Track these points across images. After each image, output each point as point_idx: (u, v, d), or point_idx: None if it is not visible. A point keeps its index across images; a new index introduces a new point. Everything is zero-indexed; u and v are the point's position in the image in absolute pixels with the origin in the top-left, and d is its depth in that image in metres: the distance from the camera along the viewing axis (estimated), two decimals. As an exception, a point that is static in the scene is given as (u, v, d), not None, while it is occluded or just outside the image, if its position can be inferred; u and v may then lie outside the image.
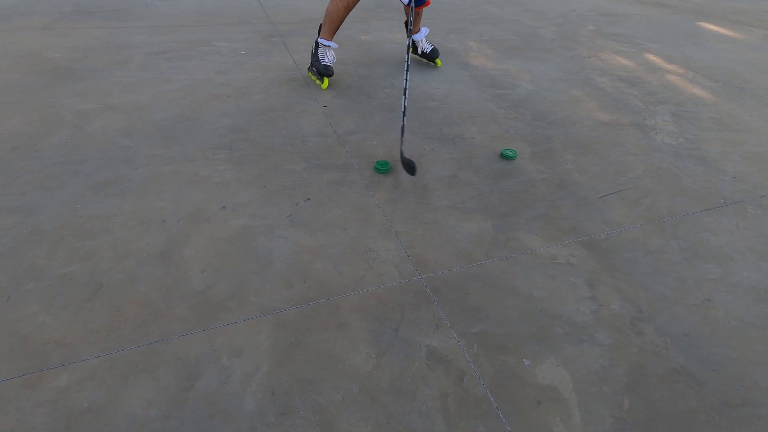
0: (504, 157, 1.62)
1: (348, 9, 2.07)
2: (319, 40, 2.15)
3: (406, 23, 2.49)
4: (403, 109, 1.55)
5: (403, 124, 1.55)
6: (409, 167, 1.47)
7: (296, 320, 0.98)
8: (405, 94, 1.56)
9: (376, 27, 3.09)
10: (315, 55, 2.16)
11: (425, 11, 3.52)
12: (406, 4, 1.89)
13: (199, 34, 2.79)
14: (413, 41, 2.47)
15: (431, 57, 2.44)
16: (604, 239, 1.28)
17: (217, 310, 0.99)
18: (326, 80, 2.12)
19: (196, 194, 1.36)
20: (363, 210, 1.34)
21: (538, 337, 0.97)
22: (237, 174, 1.47)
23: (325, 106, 1.96)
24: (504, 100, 2.14)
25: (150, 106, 1.87)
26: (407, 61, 1.59)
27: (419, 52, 2.47)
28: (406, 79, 1.56)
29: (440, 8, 3.62)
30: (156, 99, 1.93)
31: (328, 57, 2.14)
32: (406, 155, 1.55)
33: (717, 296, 1.12)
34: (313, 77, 2.20)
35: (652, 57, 2.89)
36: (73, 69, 2.20)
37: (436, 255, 1.19)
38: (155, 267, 1.09)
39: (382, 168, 1.52)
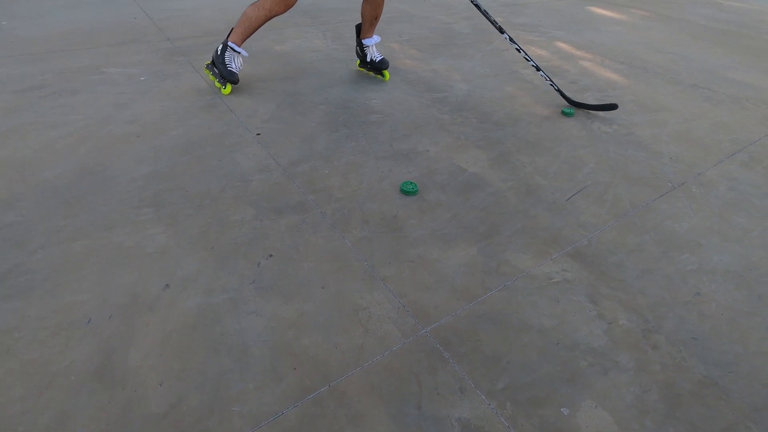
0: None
1: (269, 18, 1.89)
2: (230, 44, 1.94)
3: (358, 29, 2.30)
4: (534, 65, 2.04)
5: (548, 77, 2.04)
6: (607, 106, 1.95)
7: (299, 424, 0.80)
8: (514, 44, 2.03)
9: (291, 35, 2.86)
10: (221, 57, 1.96)
11: (346, 12, 3.35)
12: None
13: (80, 59, 2.34)
14: (362, 47, 2.29)
15: (380, 67, 2.26)
16: (587, 246, 1.26)
17: (193, 434, 0.78)
18: (229, 86, 1.98)
19: (126, 275, 1.09)
20: (337, 257, 1.18)
21: (566, 377, 0.90)
22: (173, 237, 1.21)
23: (258, 134, 1.73)
24: (444, 104, 2.07)
25: (35, 163, 1.49)
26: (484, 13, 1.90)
27: (368, 59, 2.28)
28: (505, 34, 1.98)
29: (349, 9, 3.47)
30: (41, 151, 1.55)
31: (235, 63, 1.96)
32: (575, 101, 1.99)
33: (703, 288, 1.14)
34: (212, 77, 2.04)
35: (561, 44, 3.03)
36: None
37: (433, 299, 1.07)
38: (92, 392, 0.83)
39: (411, 190, 1.42)
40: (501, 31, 2.01)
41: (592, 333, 1.00)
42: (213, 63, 2.01)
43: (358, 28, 2.26)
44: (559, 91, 2.09)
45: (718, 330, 1.03)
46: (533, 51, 2.85)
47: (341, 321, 1.00)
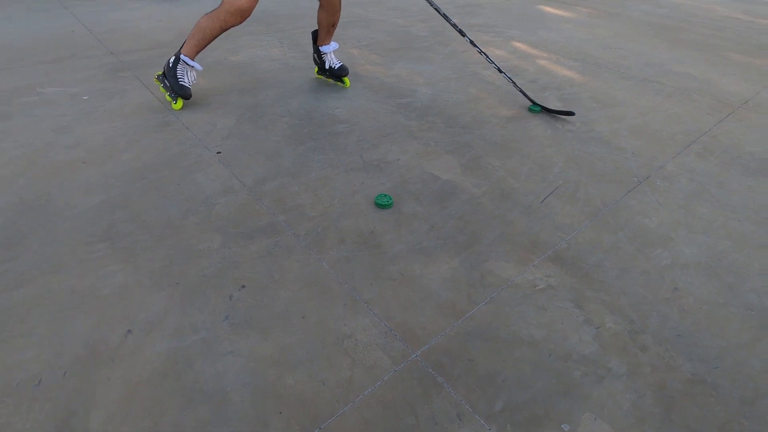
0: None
1: (224, 30, 1.78)
2: (183, 57, 1.83)
3: (314, 36, 2.22)
4: (497, 67, 2.05)
5: (510, 79, 2.04)
6: (566, 112, 1.95)
7: (291, 475, 0.74)
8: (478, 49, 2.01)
9: (246, 44, 2.75)
10: (172, 70, 1.84)
11: (302, 18, 3.26)
12: None
13: (12, 79, 2.13)
14: (320, 55, 2.22)
15: (339, 74, 2.20)
16: (566, 248, 1.26)
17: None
18: (181, 101, 1.87)
19: (80, 323, 0.98)
20: (316, 282, 1.11)
21: (562, 390, 0.89)
22: (133, 275, 1.10)
23: (219, 152, 1.63)
24: (410, 109, 2.04)
25: (-36, 199, 1.33)
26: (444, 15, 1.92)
27: (327, 67, 2.22)
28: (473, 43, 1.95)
29: (304, 15, 3.39)
30: (-29, 186, 1.39)
31: (188, 77, 1.86)
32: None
33: (680, 282, 1.17)
34: (162, 89, 1.92)
35: (517, 44, 3.09)
36: None
37: (420, 319, 1.02)
38: (50, 466, 0.73)
39: (385, 203, 1.36)
40: (462, 33, 2.01)
41: (582, 340, 0.99)
42: (164, 74, 1.88)
43: (315, 35, 2.20)
44: (522, 92, 2.11)
45: (699, 324, 1.05)
46: (491, 51, 2.88)
47: (326, 353, 0.94)
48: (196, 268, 1.13)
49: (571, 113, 2.02)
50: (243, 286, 1.09)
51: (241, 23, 1.76)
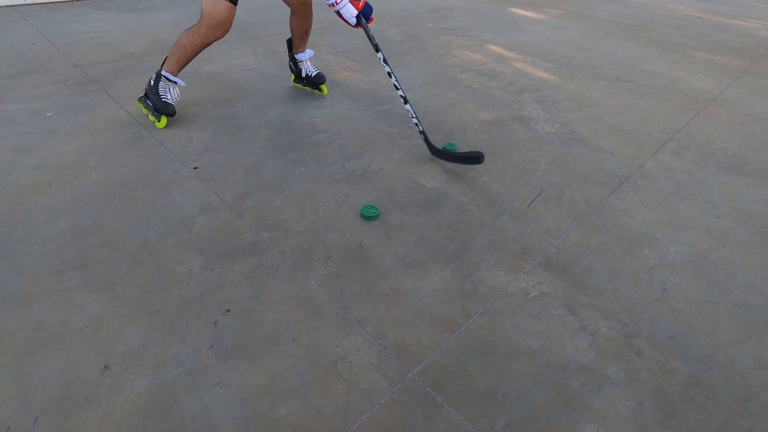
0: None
1: (205, 46, 1.73)
2: (164, 73, 1.76)
3: (289, 44, 2.17)
4: (403, 97, 1.67)
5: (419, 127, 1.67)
6: (473, 158, 1.54)
7: None
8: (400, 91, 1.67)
9: (220, 53, 2.68)
10: (154, 88, 1.77)
11: (274, 25, 3.20)
12: (353, 23, 1.68)
13: (-33, 97, 2.01)
14: (296, 62, 2.17)
15: (316, 82, 2.17)
16: (555, 253, 1.26)
17: None
18: (164, 119, 1.79)
19: (51, 361, 0.91)
20: (304, 302, 1.07)
21: (563, 401, 0.87)
22: (108, 304, 1.04)
23: (196, 168, 1.57)
24: (391, 116, 2.02)
25: None
26: (381, 56, 1.69)
27: (303, 75, 2.18)
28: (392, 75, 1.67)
29: (277, 22, 3.33)
30: (-76, 215, 1.29)
31: (171, 94, 1.78)
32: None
33: (668, 282, 1.18)
34: (145, 111, 1.83)
35: (492, 47, 3.11)
36: None
37: (415, 335, 1.00)
38: None
39: (372, 214, 1.34)
40: (377, 49, 1.74)
41: (579, 348, 0.98)
42: (146, 95, 1.81)
43: (290, 43, 2.15)
44: (424, 135, 1.69)
45: (690, 324, 1.06)
46: (467, 55, 2.89)
47: (320, 378, 0.90)
48: (176, 293, 1.07)
49: (479, 159, 1.53)
50: (228, 311, 1.04)
51: (222, 36, 1.70)
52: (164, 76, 1.75)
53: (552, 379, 0.91)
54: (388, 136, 1.85)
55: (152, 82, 1.78)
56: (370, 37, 1.72)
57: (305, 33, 2.07)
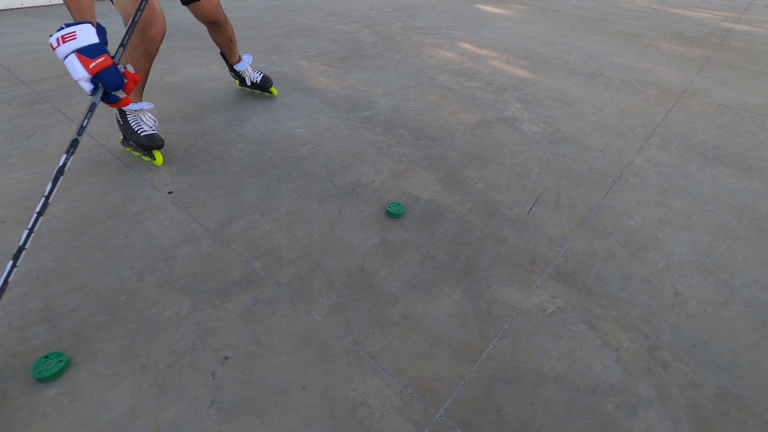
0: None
1: (150, 57, 1.54)
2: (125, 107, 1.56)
3: (222, 54, 2.05)
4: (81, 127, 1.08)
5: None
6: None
7: None
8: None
9: (181, 62, 2.50)
10: (127, 127, 1.56)
11: (237, 29, 3.04)
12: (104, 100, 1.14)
13: None
14: (237, 73, 2.09)
15: (264, 87, 2.08)
16: (564, 263, 1.22)
17: None
18: (159, 155, 1.57)
19: (24, 441, 0.77)
20: (310, 340, 0.98)
21: (600, 429, 0.83)
22: (84, 364, 0.91)
23: (170, 192, 1.43)
24: (373, 123, 1.94)
25: None
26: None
27: (248, 83, 2.09)
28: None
29: (244, 26, 3.16)
30: None
31: (146, 123, 1.57)
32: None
33: (679, 286, 1.16)
34: (135, 153, 1.61)
35: (465, 45, 3.08)
36: None
37: (435, 368, 0.93)
38: None
39: (397, 212, 1.34)
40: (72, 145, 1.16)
41: (605, 366, 0.94)
42: (125, 137, 1.59)
43: (223, 55, 2.02)
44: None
45: (708, 330, 1.04)
46: (442, 55, 2.84)
47: (338, 429, 0.81)
48: (164, 343, 0.95)
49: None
50: (226, 358, 0.93)
51: (160, 34, 1.48)
52: (127, 110, 1.56)
53: (585, 405, 0.87)
54: (373, 145, 1.77)
55: (119, 119, 1.58)
56: (83, 118, 1.08)
57: (230, 41, 1.94)
